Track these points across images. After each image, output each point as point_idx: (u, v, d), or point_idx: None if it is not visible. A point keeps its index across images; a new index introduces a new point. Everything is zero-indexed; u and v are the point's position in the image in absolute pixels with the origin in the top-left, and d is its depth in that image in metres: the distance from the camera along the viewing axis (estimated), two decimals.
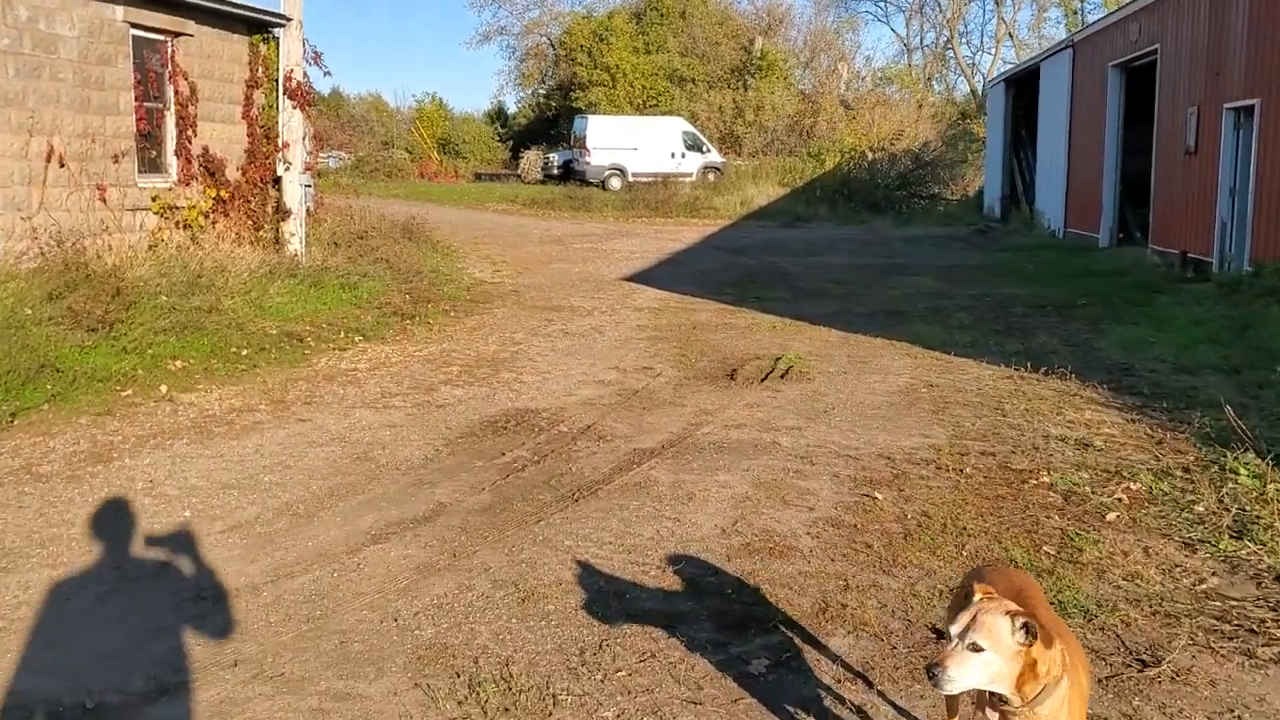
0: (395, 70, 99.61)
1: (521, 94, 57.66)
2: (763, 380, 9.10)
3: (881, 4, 78.20)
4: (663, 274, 17.53)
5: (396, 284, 13.85)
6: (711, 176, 39.62)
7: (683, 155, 40.23)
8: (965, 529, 5.36)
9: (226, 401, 8.23)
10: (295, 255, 13.78)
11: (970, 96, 58.53)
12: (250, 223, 13.93)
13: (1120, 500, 5.74)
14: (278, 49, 14.29)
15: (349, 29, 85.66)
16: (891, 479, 6.22)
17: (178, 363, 9.14)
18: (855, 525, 5.44)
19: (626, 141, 39.68)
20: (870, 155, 38.94)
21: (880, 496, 5.87)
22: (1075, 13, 59.13)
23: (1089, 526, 5.39)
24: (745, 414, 7.90)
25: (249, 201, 13.98)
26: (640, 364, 9.97)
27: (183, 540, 5.29)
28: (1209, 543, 5.14)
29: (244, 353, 9.71)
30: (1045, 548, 5.11)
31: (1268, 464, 6.14)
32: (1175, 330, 11.01)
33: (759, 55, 48.73)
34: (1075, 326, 11.78)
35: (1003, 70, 45.66)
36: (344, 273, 13.36)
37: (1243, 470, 6.08)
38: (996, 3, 59.85)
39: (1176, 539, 5.22)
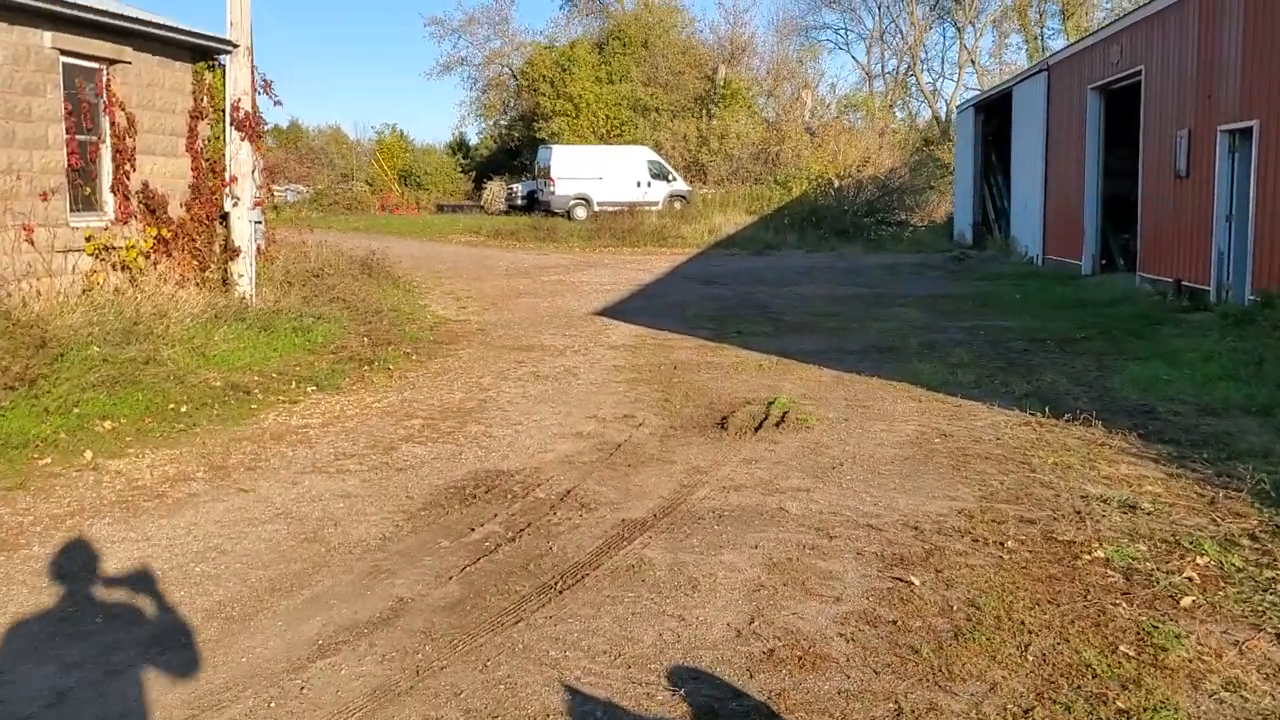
0: (356, 102, 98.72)
1: (483, 124, 56.98)
2: (757, 429, 8.28)
3: (842, 32, 78.26)
4: (636, 307, 16.73)
5: (354, 325, 12.94)
6: (678, 205, 39.02)
7: (648, 184, 39.62)
8: (1023, 624, 4.54)
9: (159, 469, 7.28)
10: (244, 297, 12.84)
11: (933, 123, 58.54)
12: (195, 263, 12.98)
13: (1191, 580, 4.95)
14: (224, 77, 13.39)
15: (307, 60, 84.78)
16: (924, 556, 5.39)
17: (107, 423, 8.18)
18: (894, 621, 4.61)
19: (591, 171, 39.03)
20: (837, 182, 38.54)
21: (917, 581, 5.04)
22: (1036, 39, 59.53)
23: (1165, 616, 4.60)
24: (743, 472, 7.07)
25: (194, 240, 13.04)
26: (621, 411, 9.12)
27: (87, 660, 4.37)
28: None
29: (183, 409, 8.76)
30: (1122, 647, 4.30)
31: None
32: (1188, 366, 10.33)
33: (722, 84, 48.35)
34: (1082, 363, 11.07)
35: (971, 95, 45.55)
36: (297, 315, 12.44)
37: None
38: (958, 30, 60.05)
39: (1269, 630, 4.44)
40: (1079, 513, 6.04)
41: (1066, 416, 8.36)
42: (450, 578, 5.29)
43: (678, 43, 50.38)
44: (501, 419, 8.90)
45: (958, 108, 37.94)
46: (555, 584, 5.14)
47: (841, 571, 5.21)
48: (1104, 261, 20.85)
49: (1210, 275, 14.60)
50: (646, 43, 48.49)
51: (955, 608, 4.73)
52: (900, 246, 31.61)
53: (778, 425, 8.38)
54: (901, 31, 60.88)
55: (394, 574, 5.35)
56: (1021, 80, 26.18)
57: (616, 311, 16.20)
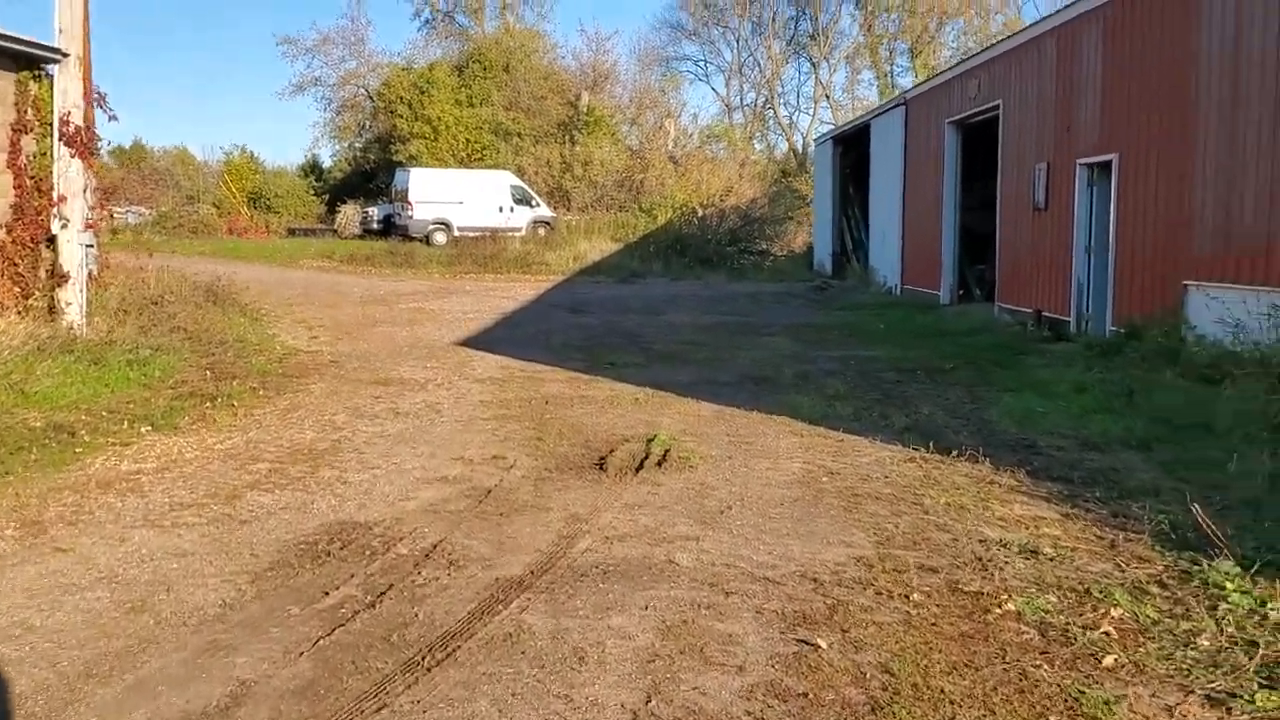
0: (204, 122, 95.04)
1: (338, 146, 55.39)
2: (638, 470, 7.80)
3: (702, 64, 79.33)
4: (501, 337, 16.12)
5: (196, 357, 11.98)
6: (542, 231, 38.52)
7: (511, 209, 38.99)
8: (943, 692, 4.16)
9: None
10: (73, 326, 11.76)
11: (791, 155, 59.70)
12: (18, 290, 11.83)
13: (1109, 635, 4.67)
14: (52, 89, 12.29)
15: (154, 79, 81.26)
16: (828, 614, 4.98)
17: None
18: (804, 694, 4.16)
19: (451, 195, 38.16)
20: (701, 211, 38.73)
21: (824, 644, 4.61)
22: (886, 75, 61.42)
23: (1090, 678, 4.28)
24: (626, 520, 6.56)
25: (16, 265, 11.88)
26: (490, 451, 8.52)
27: None
28: (1241, 697, 4.10)
29: None
30: (1051, 718, 3.95)
31: (1249, 575, 5.23)
32: (1061, 398, 10.32)
33: (585, 111, 48.20)
34: (955, 394, 10.98)
35: (827, 129, 46.55)
36: (133, 346, 11.43)
37: (1229, 586, 5.13)
38: (813, 65, 61.49)
39: (1199, 692, 4.16)
40: (980, 559, 5.74)
41: (953, 453, 8.15)
42: (301, 653, 4.62)
43: (540, 68, 50.02)
44: (358, 462, 8.19)
45: (816, 140, 38.63)
46: (422, 659, 4.53)
47: (742, 635, 4.75)
48: (961, 292, 21.23)
49: (1070, 306, 14.87)
50: (508, 67, 47.95)
51: (868, 675, 4.32)
52: (763, 275, 31.86)
53: (659, 465, 7.92)
54: (759, 65, 62.05)
55: (235, 650, 4.65)
56: (879, 114, 26.67)
57: (481, 341, 15.56)
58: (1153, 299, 12.50)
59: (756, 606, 5.09)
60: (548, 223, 39.45)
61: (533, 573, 5.62)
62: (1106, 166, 13.88)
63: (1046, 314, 15.55)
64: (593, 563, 5.76)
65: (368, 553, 6.00)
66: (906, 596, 5.18)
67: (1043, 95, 15.91)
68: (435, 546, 6.09)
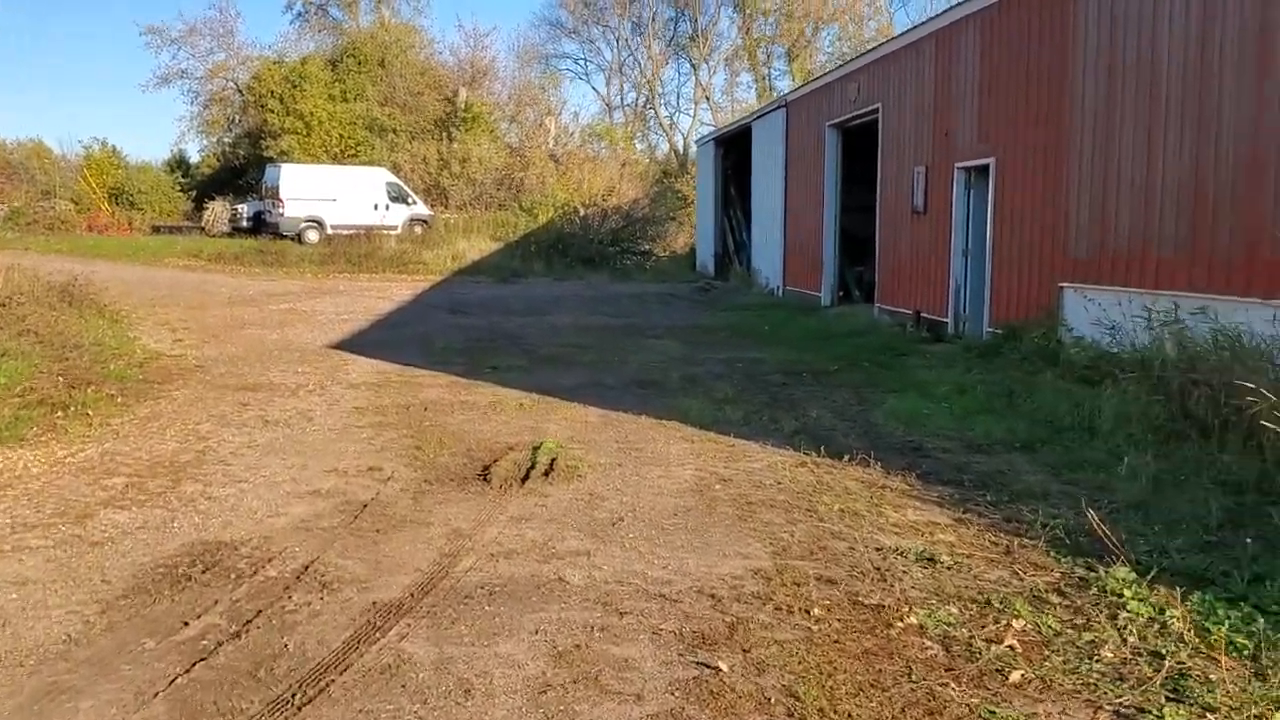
0: (62, 114, 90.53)
1: (206, 141, 53.31)
2: (524, 480, 7.49)
3: (582, 62, 79.07)
4: (378, 339, 15.57)
5: (47, 363, 11.17)
6: (419, 229, 37.70)
7: (387, 207, 38.06)
8: (851, 716, 3.97)
9: None
10: None
11: (672, 155, 59.90)
12: None
13: (1014, 650, 4.56)
14: None
15: (6, 68, 77.07)
16: (728, 633, 4.76)
17: None
18: None
19: (325, 192, 37.03)
20: (583, 210, 38.48)
21: (725, 666, 4.39)
22: (764, 78, 62.15)
23: (998, 696, 4.15)
24: (513, 534, 6.25)
25: None
26: (366, 462, 8.09)
27: None
28: (1149, 712, 4.02)
29: None
30: None
31: (1146, 582, 5.21)
32: (944, 399, 10.38)
33: (464, 107, 47.42)
34: (841, 396, 10.95)
35: (707, 130, 46.80)
36: None
37: (1127, 593, 5.10)
38: (693, 66, 61.76)
39: (1107, 708, 4.07)
40: (878, 569, 5.61)
41: (844, 457, 8.06)
42: (156, 694, 4.19)
43: (416, 63, 49.05)
44: (224, 475, 7.67)
45: (697, 141, 38.76)
46: (293, 697, 4.15)
47: (639, 659, 4.49)
48: (841, 293, 21.45)
49: (948, 307, 15.08)
50: (383, 62, 46.87)
51: (773, 699, 4.11)
52: (646, 276, 31.78)
53: (546, 474, 7.62)
54: (640, 65, 62.03)
55: (79, 693, 4.19)
56: (760, 116, 26.81)
57: (356, 344, 14.99)
58: (1030, 301, 12.73)
59: (653, 627, 4.84)
60: (425, 221, 38.66)
61: (413, 595, 5.27)
62: (984, 170, 14.10)
63: (925, 315, 15.75)
64: (478, 583, 5.44)
65: (233, 576, 5.56)
66: (807, 611, 5.00)
67: (921, 99, 16.12)
68: (307, 567, 5.68)
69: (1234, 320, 8.58)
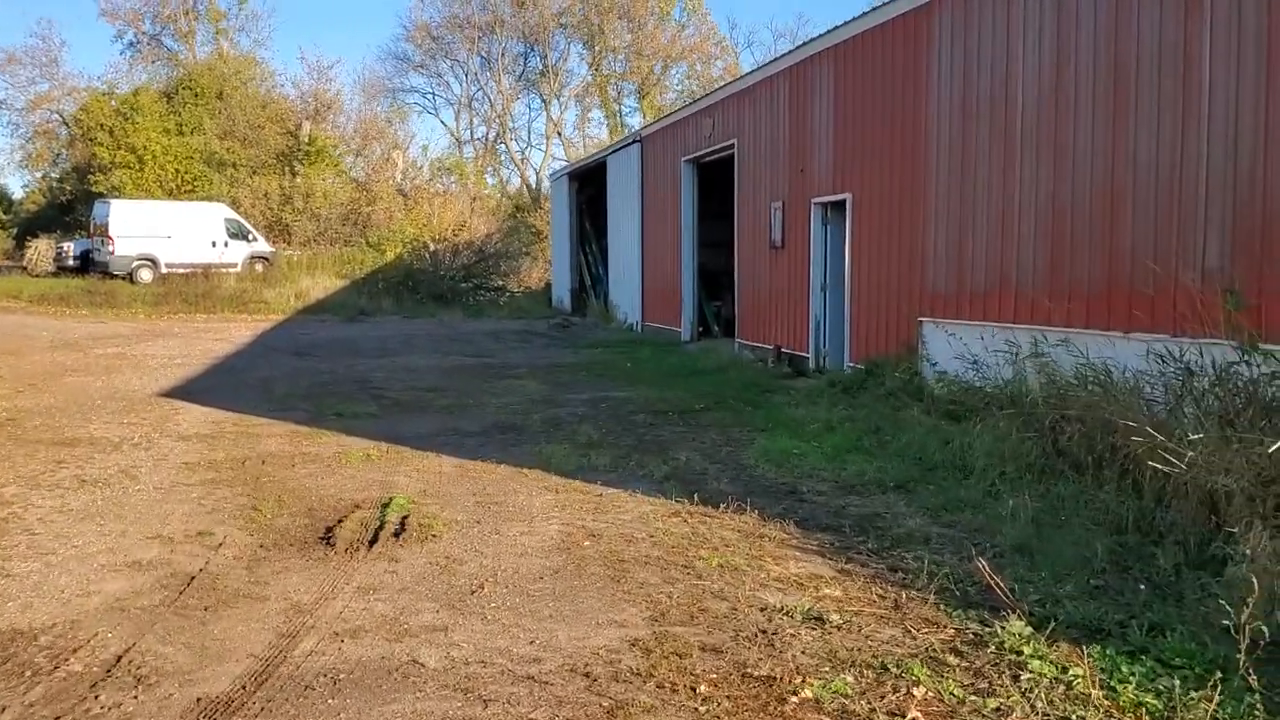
0: None
1: (29, 176, 50.31)
2: (372, 543, 6.82)
3: (430, 96, 77.86)
4: (213, 385, 14.53)
5: None
6: (260, 267, 36.14)
7: (225, 244, 36.37)
8: None
9: None
10: None
11: (524, 190, 59.44)
12: None
13: None
14: None
15: None
16: (605, 719, 4.25)
17: None
18: None
19: (159, 229, 35.13)
20: (433, 246, 37.63)
21: None
22: (616, 114, 62.44)
23: None
24: (360, 608, 5.59)
25: None
26: (195, 526, 7.28)
27: None
28: None
29: None
30: None
31: (1043, 637, 4.93)
32: (813, 438, 10.13)
33: (307, 140, 46.01)
34: (710, 437, 10.60)
35: (560, 165, 46.54)
36: None
37: (1026, 650, 4.80)
38: (544, 101, 61.59)
39: None
40: (765, 633, 5.18)
41: (718, 504, 7.66)
42: None
43: (257, 96, 47.45)
44: (28, 546, 6.76)
45: (551, 175, 38.41)
46: None
47: None
48: (701, 329, 21.30)
49: (809, 343, 14.98)
50: (222, 94, 45.13)
51: None
52: (501, 313, 31.15)
53: (398, 535, 6.96)
54: (490, 99, 61.48)
55: None
56: (615, 150, 26.62)
57: (189, 391, 13.93)
58: (891, 336, 12.69)
59: (522, 717, 4.28)
60: (266, 258, 37.09)
61: (244, 688, 4.58)
62: (841, 206, 14.09)
63: (786, 350, 15.63)
64: (320, 669, 4.78)
65: (29, 673, 4.76)
66: (693, 689, 4.53)
67: (776, 134, 16.09)
68: (120, 658, 4.92)
69: (1100, 354, 8.57)
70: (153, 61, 51.14)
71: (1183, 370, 7.31)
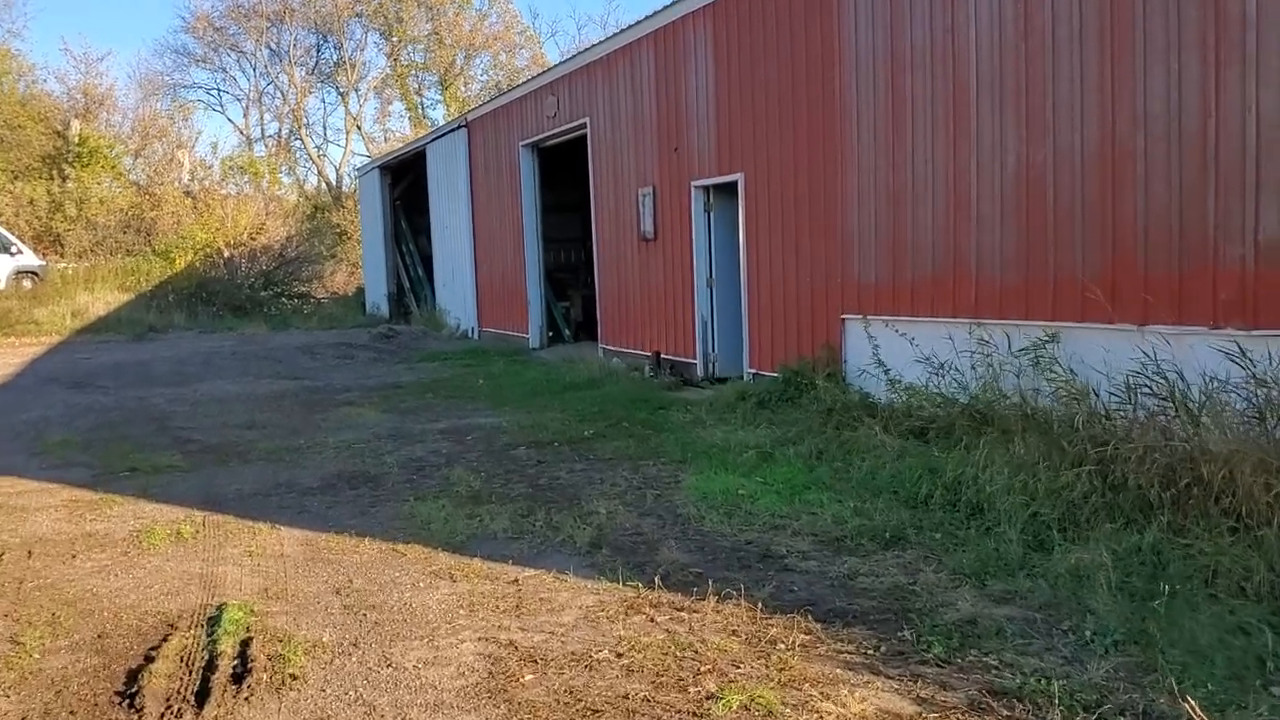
0: None
1: None
2: (202, 699, 4.48)
3: (216, 92, 72.16)
4: None
5: None
6: (28, 283, 31.65)
7: None
8: None
9: None
10: None
11: (324, 188, 55.58)
12: None
13: None
14: None
15: None
16: None
17: None
18: None
19: None
20: (228, 252, 34.11)
21: None
22: (417, 107, 59.30)
23: None
24: None
25: None
26: None
27: None
28: None
29: None
30: None
31: None
32: (752, 470, 8.26)
33: (77, 141, 41.17)
34: (622, 477, 8.52)
35: (365, 160, 43.37)
36: None
37: None
38: (341, 95, 57.94)
39: None
40: None
41: (689, 588, 5.63)
42: None
43: (14, 93, 42.21)
44: None
45: (360, 170, 35.23)
46: None
47: None
48: (551, 333, 19.22)
49: (696, 347, 13.13)
50: None
51: None
52: (310, 323, 28.16)
53: (239, 680, 4.65)
54: (282, 93, 57.29)
55: None
56: (436, 138, 24.11)
57: None
58: (804, 337, 10.96)
59: None
60: (35, 273, 32.58)
61: None
62: (730, 188, 12.27)
63: (668, 357, 13.73)
64: None
65: None
66: None
67: (641, 110, 14.15)
68: None
69: (1103, 353, 7.00)
70: None
71: (1250, 375, 5.77)
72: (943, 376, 8.49)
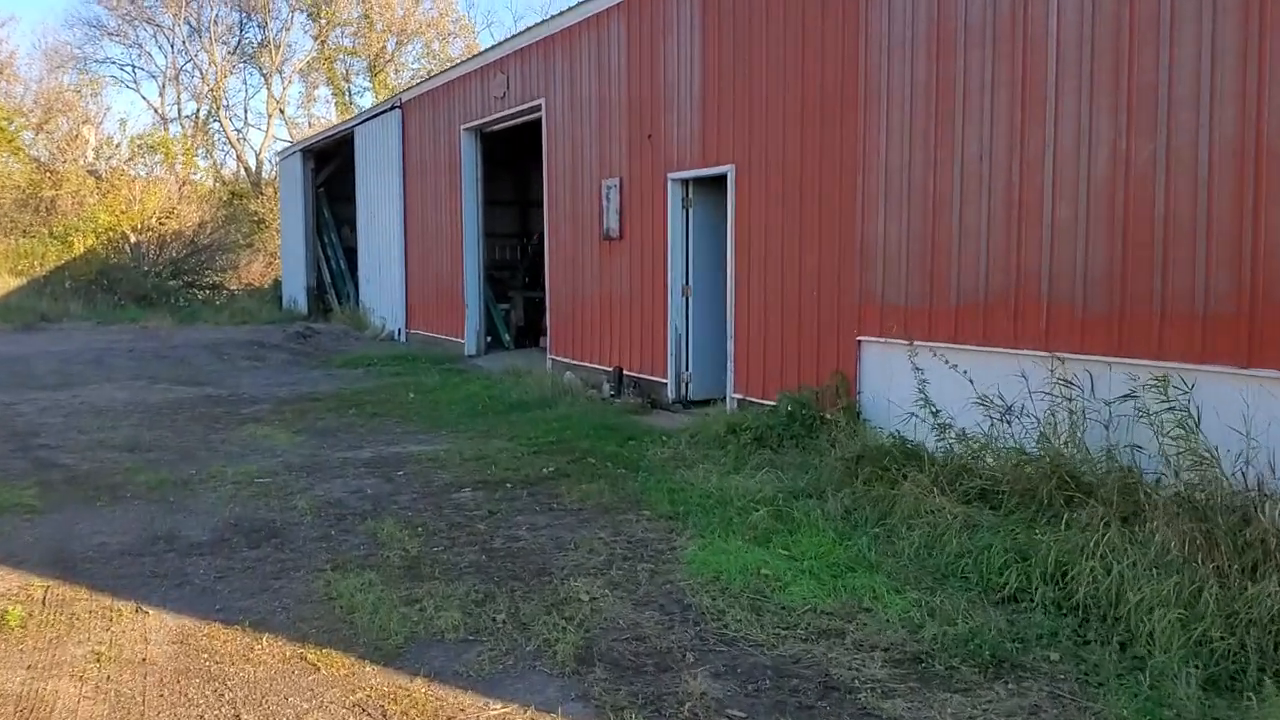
0: None
1: None
2: None
3: (129, 68, 68.36)
4: None
5: None
6: None
7: None
8: None
9: None
10: None
11: (243, 173, 52.72)
12: None
13: None
14: None
15: None
16: None
17: None
18: None
19: None
20: (134, 237, 31.57)
21: None
22: (344, 93, 56.66)
23: None
24: None
25: None
26: None
27: None
28: None
29: None
30: None
31: None
32: (770, 539, 6.49)
33: None
34: (600, 540, 6.67)
35: (286, 145, 40.90)
36: None
37: None
38: (264, 77, 55.06)
39: None
40: None
41: None
42: None
43: None
44: None
45: (281, 154, 32.76)
46: None
47: None
48: (489, 338, 17.31)
49: (667, 365, 11.35)
50: None
51: None
52: (221, 317, 25.85)
53: None
54: (201, 72, 54.18)
55: None
56: (366, 119, 21.99)
57: None
58: (811, 361, 9.24)
59: None
60: None
61: None
62: (717, 182, 10.54)
63: (631, 374, 11.93)
64: None
65: None
66: None
67: (608, 90, 12.33)
68: None
69: (1237, 403, 5.40)
70: None
71: None
72: (1009, 424, 6.81)
